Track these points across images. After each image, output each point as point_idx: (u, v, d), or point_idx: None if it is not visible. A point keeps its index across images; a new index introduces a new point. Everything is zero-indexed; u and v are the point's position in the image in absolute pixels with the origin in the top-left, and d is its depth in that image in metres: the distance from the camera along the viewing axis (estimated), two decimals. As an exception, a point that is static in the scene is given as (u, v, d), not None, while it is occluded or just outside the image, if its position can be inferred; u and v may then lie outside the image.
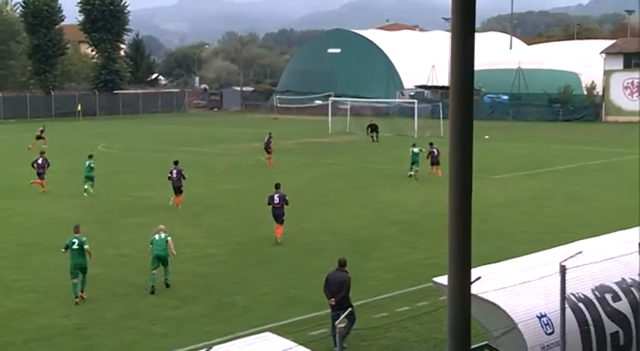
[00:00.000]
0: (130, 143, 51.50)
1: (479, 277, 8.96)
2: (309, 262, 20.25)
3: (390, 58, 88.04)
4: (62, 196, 30.94)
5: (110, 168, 36.00)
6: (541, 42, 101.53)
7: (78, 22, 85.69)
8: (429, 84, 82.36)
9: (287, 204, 22.38)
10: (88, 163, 31.39)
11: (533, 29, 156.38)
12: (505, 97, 77.27)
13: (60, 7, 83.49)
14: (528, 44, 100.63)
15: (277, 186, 22.84)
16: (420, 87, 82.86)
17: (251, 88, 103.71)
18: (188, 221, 25.55)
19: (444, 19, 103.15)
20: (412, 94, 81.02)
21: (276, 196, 22.40)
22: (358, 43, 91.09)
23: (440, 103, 62.41)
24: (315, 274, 18.97)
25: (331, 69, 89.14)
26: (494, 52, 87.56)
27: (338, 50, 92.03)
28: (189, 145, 50.53)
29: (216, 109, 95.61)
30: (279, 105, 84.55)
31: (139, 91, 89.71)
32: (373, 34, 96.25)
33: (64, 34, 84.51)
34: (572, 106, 73.09)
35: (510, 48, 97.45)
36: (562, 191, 31.41)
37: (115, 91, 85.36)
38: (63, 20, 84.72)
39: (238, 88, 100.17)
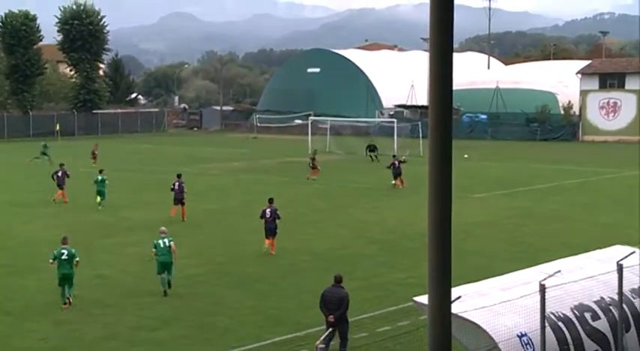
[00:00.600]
0: (109, 163, 51.22)
1: (459, 297, 8.97)
2: (289, 281, 20.17)
3: (369, 77, 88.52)
4: (40, 216, 30.66)
5: (89, 188, 35.76)
6: (518, 62, 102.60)
7: (56, 42, 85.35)
8: (409, 103, 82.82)
9: (279, 218, 23.30)
10: (99, 177, 32.52)
11: (510, 49, 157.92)
12: (484, 117, 77.84)
13: (38, 27, 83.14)
14: (506, 64, 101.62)
15: (270, 200, 23.74)
16: (399, 106, 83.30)
17: (231, 108, 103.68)
18: (167, 241, 25.35)
19: (422, 39, 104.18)
20: (392, 113, 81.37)
21: (268, 211, 23.34)
22: (338, 63, 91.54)
23: (419, 123, 62.75)
24: (295, 294, 18.91)
25: (311, 88, 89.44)
26: (473, 71, 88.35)
27: (317, 70, 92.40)
28: (169, 164, 50.32)
29: (195, 129, 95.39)
30: (259, 124, 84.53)
31: (118, 110, 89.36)
32: (352, 54, 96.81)
33: (43, 54, 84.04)
34: (549, 125, 73.74)
35: (488, 68, 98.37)
36: (541, 210, 31.60)
37: (94, 111, 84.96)
38: (41, 40, 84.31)
39: (218, 108, 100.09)
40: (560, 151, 60.57)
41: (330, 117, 68.79)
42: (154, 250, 19.01)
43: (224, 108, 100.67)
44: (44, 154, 50.24)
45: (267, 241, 23.34)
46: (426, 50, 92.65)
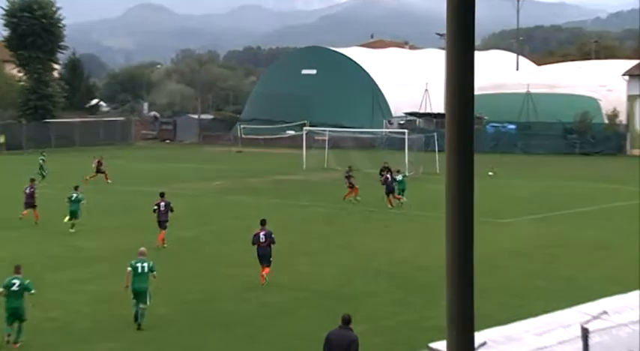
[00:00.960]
0: (64, 182, 51.13)
1: (484, 342, 8.90)
2: (279, 323, 20.07)
3: (375, 80, 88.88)
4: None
5: (40, 212, 35.69)
6: (553, 62, 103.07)
7: (2, 39, 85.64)
8: (422, 111, 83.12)
9: (274, 243, 23.82)
10: (74, 195, 33.48)
11: (543, 47, 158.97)
12: (512, 127, 78.11)
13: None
14: (538, 64, 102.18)
15: (263, 222, 24.31)
16: (411, 114, 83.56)
17: (211, 116, 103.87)
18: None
19: (438, 34, 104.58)
20: (402, 122, 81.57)
21: (262, 234, 23.80)
22: (338, 63, 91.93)
23: (435, 134, 62.92)
24: (287, 337, 18.81)
25: (306, 93, 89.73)
26: (498, 73, 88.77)
27: (314, 71, 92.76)
28: (136, 183, 50.28)
29: (168, 141, 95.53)
30: (244, 136, 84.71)
31: (76, 119, 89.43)
32: (355, 53, 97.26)
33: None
34: (591, 136, 73.97)
35: (517, 69, 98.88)
36: (581, 238, 31.62)
37: (47, 120, 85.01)
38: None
39: (195, 116, 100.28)
40: (604, 167, 60.71)
41: (329, 127, 68.94)
42: (129, 270, 19.59)
43: (202, 117, 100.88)
44: (41, 168, 52.35)
45: (263, 271, 23.71)
46: (442, 48, 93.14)
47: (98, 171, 52.09)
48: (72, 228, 33.06)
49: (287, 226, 34.40)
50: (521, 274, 25.62)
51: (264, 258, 23.72)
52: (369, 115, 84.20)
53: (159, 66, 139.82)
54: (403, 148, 58.48)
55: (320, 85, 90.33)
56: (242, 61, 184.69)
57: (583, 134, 74.17)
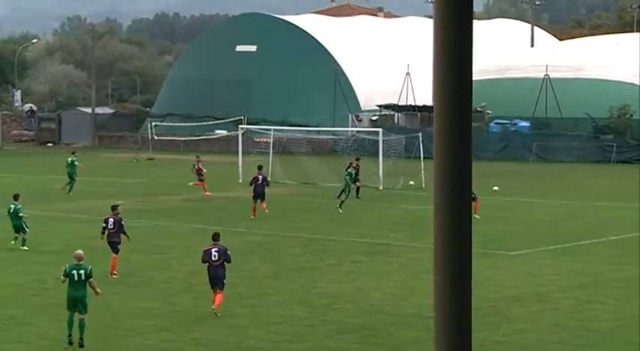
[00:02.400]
0: None
1: None
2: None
3: (338, 60, 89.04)
4: None
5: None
6: (580, 36, 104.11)
7: None
8: (402, 103, 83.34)
9: (229, 261, 25.88)
10: (12, 207, 36.52)
11: (567, 15, 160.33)
12: (524, 124, 78.61)
13: None
14: (560, 39, 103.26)
15: (215, 237, 26.38)
16: (386, 107, 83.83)
17: (110, 110, 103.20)
18: (4, 329, 25.05)
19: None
20: (374, 118, 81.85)
21: (214, 251, 25.65)
22: (286, 37, 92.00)
23: (419, 134, 63.19)
24: None
25: (242, 79, 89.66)
26: (507, 51, 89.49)
27: (253, 48, 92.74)
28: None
29: (50, 145, 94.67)
30: (156, 137, 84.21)
31: None
32: (311, 22, 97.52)
33: None
34: (632, 138, 74.61)
35: (532, 45, 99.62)
36: (618, 277, 31.76)
37: None
38: None
39: (88, 110, 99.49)
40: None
41: (274, 126, 68.87)
42: (63, 277, 22.70)
43: (98, 111, 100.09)
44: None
45: (215, 297, 25.51)
46: (429, 16, 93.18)
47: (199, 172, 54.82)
48: (23, 246, 35.78)
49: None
50: (537, 325, 25.74)
51: (217, 280, 25.40)
52: (329, 108, 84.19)
53: (35, 40, 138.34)
54: (376, 154, 58.49)
55: (261, 67, 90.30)
56: (153, 33, 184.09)
57: (621, 135, 74.77)
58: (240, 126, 68.14)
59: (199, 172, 54.56)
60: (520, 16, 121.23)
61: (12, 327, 25.11)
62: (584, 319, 26.53)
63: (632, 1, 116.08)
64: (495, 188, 51.44)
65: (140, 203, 50.74)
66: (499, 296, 28.01)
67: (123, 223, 31.80)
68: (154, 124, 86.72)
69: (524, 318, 26.54)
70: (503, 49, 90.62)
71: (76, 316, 22.53)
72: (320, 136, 76.89)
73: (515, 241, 38.23)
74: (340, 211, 46.17)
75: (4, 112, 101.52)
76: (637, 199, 51.34)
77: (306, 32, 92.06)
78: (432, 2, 4.85)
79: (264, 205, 44.80)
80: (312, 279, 31.61)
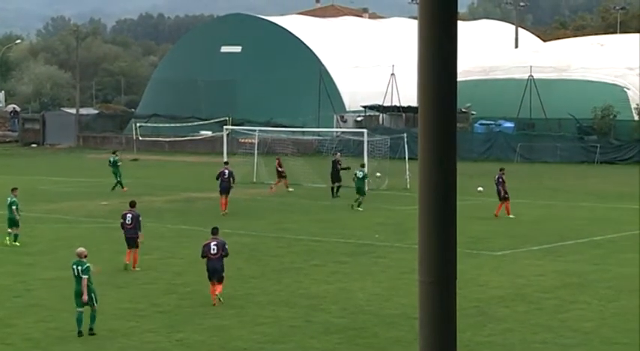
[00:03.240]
0: None
1: None
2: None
3: (322, 61, 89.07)
4: None
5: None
6: (564, 37, 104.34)
7: None
8: (387, 103, 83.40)
9: (227, 255, 26.87)
10: (10, 199, 37.55)
11: (551, 16, 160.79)
12: (509, 125, 78.73)
13: None
14: (544, 40, 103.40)
15: (214, 231, 27.26)
16: (371, 108, 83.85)
17: (95, 111, 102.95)
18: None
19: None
20: (359, 119, 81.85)
21: (212, 245, 26.57)
22: (271, 38, 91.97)
23: (404, 135, 63.23)
24: None
25: (227, 79, 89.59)
26: (491, 52, 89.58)
27: (238, 49, 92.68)
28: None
29: (34, 146, 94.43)
30: (141, 138, 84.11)
31: None
32: (296, 23, 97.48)
33: None
34: (615, 138, 74.79)
35: (516, 46, 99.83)
36: (603, 277, 31.83)
37: None
38: None
39: (72, 111, 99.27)
40: (633, 180, 61.34)
41: (259, 126, 68.84)
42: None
43: (82, 111, 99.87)
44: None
45: (213, 288, 26.77)
46: (413, 17, 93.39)
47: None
48: (15, 241, 36.91)
49: (199, 263, 34.21)
50: (521, 326, 25.78)
51: (215, 273, 26.41)
52: (314, 109, 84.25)
53: (20, 41, 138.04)
54: (361, 155, 58.54)
55: (246, 67, 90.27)
56: (137, 34, 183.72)
57: (605, 135, 74.94)
58: (225, 127, 68.14)
59: (280, 172, 55.45)
60: (504, 17, 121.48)
61: (-5, 328, 25.01)
62: (569, 319, 26.57)
63: (615, 2, 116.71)
64: (480, 189, 51.44)
65: (124, 204, 50.57)
66: (484, 296, 28.06)
67: (140, 219, 32.45)
68: (138, 124, 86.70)
69: (508, 318, 26.58)
70: (487, 50, 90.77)
71: (86, 309, 24.01)
72: (305, 137, 76.85)
73: (500, 241, 38.30)
74: (360, 209, 46.67)
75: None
76: (618, 198, 51.50)
77: (291, 33, 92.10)
78: (416, 3, 4.84)
79: (225, 202, 46.30)
80: (296, 280, 31.64)
